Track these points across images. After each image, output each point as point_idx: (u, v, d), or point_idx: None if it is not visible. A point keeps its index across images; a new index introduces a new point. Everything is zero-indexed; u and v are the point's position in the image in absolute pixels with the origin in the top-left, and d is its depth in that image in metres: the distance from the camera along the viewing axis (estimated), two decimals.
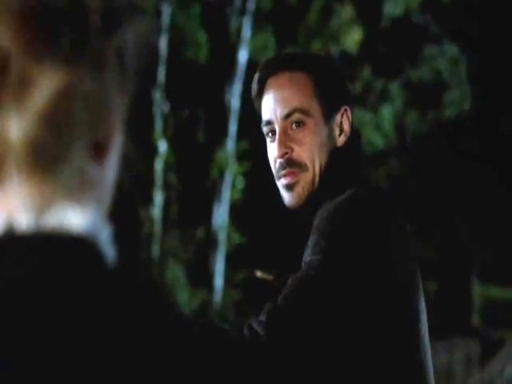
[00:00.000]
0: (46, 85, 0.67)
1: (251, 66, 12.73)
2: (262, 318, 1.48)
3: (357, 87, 13.68)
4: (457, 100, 14.51)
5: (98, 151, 0.70)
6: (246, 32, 13.08)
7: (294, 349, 1.46)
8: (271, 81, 1.75)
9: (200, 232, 12.82)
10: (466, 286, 14.09)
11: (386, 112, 14.24)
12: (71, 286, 0.64)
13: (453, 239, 14.46)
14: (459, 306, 13.60)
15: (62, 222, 0.67)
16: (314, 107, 1.72)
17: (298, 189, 1.70)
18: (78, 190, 0.69)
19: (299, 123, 1.71)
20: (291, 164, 1.70)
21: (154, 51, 0.73)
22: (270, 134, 1.75)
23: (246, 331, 1.47)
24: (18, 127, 0.66)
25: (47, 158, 0.67)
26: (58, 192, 0.68)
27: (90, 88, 0.68)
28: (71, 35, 0.67)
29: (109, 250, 0.69)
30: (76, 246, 0.67)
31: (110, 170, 0.73)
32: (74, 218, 0.68)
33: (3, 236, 0.66)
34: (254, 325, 1.47)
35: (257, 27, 13.17)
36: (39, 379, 0.60)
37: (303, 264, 1.57)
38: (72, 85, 0.67)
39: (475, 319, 13.73)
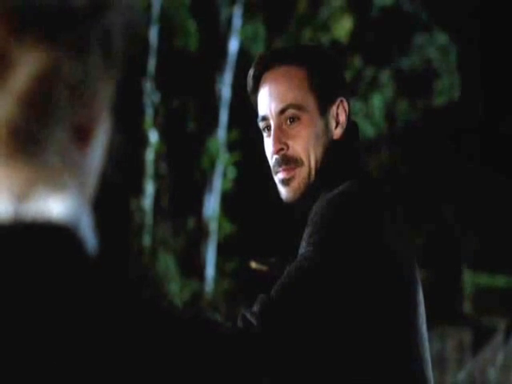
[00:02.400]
0: (26, 65, 0.64)
1: (242, 55, 12.70)
2: (256, 308, 1.48)
3: (347, 76, 13.65)
4: (447, 88, 14.53)
5: (81, 136, 0.68)
6: (237, 21, 13.05)
7: (287, 339, 1.47)
8: (266, 75, 1.74)
9: (191, 222, 12.82)
10: (456, 274, 14.13)
11: (377, 101, 14.25)
12: (50, 278, 0.63)
13: (442, 227, 14.49)
14: (450, 294, 13.64)
15: (42, 209, 0.65)
16: (309, 101, 1.71)
17: (294, 184, 1.70)
18: (59, 176, 0.67)
19: (294, 118, 1.70)
20: (287, 161, 1.70)
21: (142, 38, 0.71)
22: (266, 130, 1.74)
23: (239, 321, 1.48)
24: None
25: (27, 141, 0.65)
26: (38, 177, 0.66)
27: (73, 70, 0.66)
28: (54, 15, 0.65)
29: (90, 237, 0.67)
30: (56, 235, 0.65)
31: (95, 156, 0.70)
32: (55, 205, 0.66)
33: None
34: (248, 315, 1.47)
35: (247, 16, 13.14)
36: (14, 374, 0.59)
37: (298, 256, 1.57)
38: (54, 66, 0.65)
39: (466, 307, 13.78)
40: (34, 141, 0.65)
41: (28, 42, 0.64)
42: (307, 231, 1.57)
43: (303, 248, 1.56)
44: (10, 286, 0.62)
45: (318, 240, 1.52)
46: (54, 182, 0.66)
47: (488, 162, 14.41)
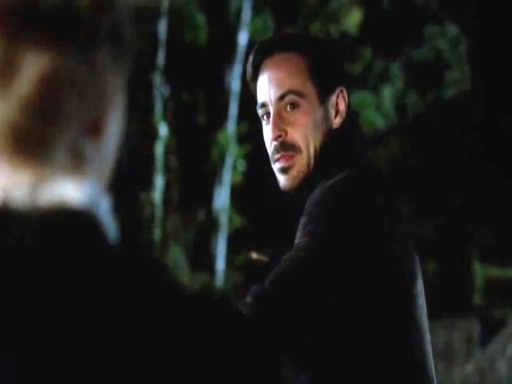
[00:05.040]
0: (30, 69, 0.64)
1: (251, 47, 12.66)
2: (249, 300, 1.47)
3: (357, 68, 13.64)
4: (457, 79, 14.47)
5: (94, 129, 0.68)
6: (246, 14, 13.03)
7: (278, 332, 1.45)
8: (266, 62, 1.73)
9: (201, 215, 12.83)
10: (466, 265, 14.09)
11: (387, 92, 14.21)
12: (71, 261, 0.63)
13: (453, 219, 14.45)
14: (460, 285, 13.60)
15: (57, 195, 0.65)
16: (309, 88, 1.70)
17: (293, 172, 1.69)
18: (73, 167, 0.67)
19: (293, 105, 1.69)
20: (285, 147, 1.68)
21: (152, 26, 0.70)
22: (265, 117, 1.73)
23: None
24: None
25: (31, 144, 0.65)
26: (50, 170, 0.66)
27: (80, 70, 0.66)
28: (57, 16, 0.64)
29: (109, 221, 0.67)
30: (73, 218, 0.65)
31: (108, 145, 0.70)
32: (70, 191, 0.66)
33: None
34: (240, 307, 1.46)
35: (256, 9, 13.12)
36: (39, 358, 0.60)
37: (293, 246, 1.56)
38: (59, 68, 0.65)
39: (476, 299, 13.74)
40: (39, 143, 0.65)
41: (31, 43, 0.64)
42: (303, 221, 1.56)
43: (298, 238, 1.54)
44: (29, 269, 0.62)
45: (313, 230, 1.51)
46: (68, 173, 0.67)
47: (498, 155, 14.36)
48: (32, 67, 0.64)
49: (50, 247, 0.63)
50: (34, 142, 0.65)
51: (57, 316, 0.61)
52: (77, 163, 0.67)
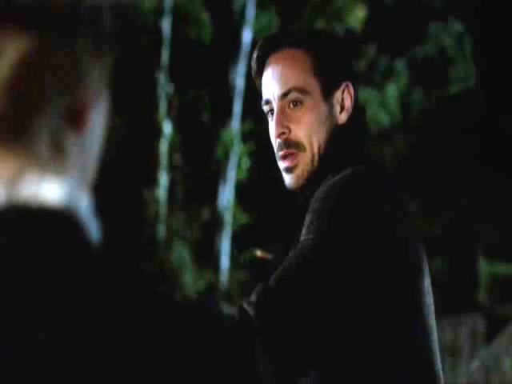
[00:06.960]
0: (8, 54, 0.64)
1: (255, 45, 12.66)
2: (253, 298, 1.46)
3: (362, 65, 13.62)
4: (462, 76, 14.45)
5: (75, 119, 0.67)
6: (250, 12, 13.02)
7: (283, 330, 1.44)
8: (270, 58, 1.72)
9: (205, 212, 12.83)
10: (472, 262, 14.08)
11: (391, 89, 14.20)
12: (47, 260, 0.62)
13: (459, 216, 14.43)
14: (465, 282, 13.60)
15: (36, 193, 0.64)
16: (312, 84, 1.68)
17: (298, 171, 1.67)
18: (54, 159, 0.66)
19: (297, 102, 1.67)
20: (288, 144, 1.67)
21: (134, 12, 0.70)
22: (270, 114, 1.72)
23: (236, 312, 1.46)
24: None
25: (14, 129, 0.65)
26: (30, 162, 0.65)
27: (59, 55, 0.65)
28: (35, 3, 0.64)
29: (90, 221, 0.66)
30: (51, 217, 0.64)
31: (92, 138, 0.69)
32: (50, 188, 0.65)
33: None
34: (245, 305, 1.45)
35: (260, 7, 13.11)
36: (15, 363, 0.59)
37: (298, 244, 1.55)
38: (38, 53, 0.64)
39: (481, 296, 13.72)
40: (21, 129, 0.65)
41: (8, 30, 0.64)
42: (308, 218, 1.55)
43: (303, 235, 1.53)
44: (7, 269, 0.61)
45: (318, 227, 1.50)
46: (47, 167, 0.66)
47: (498, 155, 14.33)
48: (11, 51, 0.64)
49: (27, 248, 0.62)
50: (15, 128, 0.65)
51: (28, 319, 0.60)
52: (57, 155, 0.66)
